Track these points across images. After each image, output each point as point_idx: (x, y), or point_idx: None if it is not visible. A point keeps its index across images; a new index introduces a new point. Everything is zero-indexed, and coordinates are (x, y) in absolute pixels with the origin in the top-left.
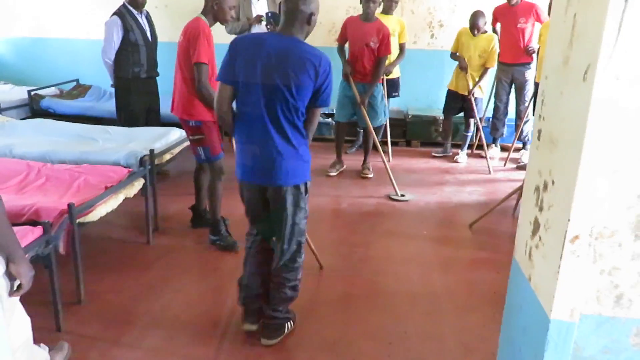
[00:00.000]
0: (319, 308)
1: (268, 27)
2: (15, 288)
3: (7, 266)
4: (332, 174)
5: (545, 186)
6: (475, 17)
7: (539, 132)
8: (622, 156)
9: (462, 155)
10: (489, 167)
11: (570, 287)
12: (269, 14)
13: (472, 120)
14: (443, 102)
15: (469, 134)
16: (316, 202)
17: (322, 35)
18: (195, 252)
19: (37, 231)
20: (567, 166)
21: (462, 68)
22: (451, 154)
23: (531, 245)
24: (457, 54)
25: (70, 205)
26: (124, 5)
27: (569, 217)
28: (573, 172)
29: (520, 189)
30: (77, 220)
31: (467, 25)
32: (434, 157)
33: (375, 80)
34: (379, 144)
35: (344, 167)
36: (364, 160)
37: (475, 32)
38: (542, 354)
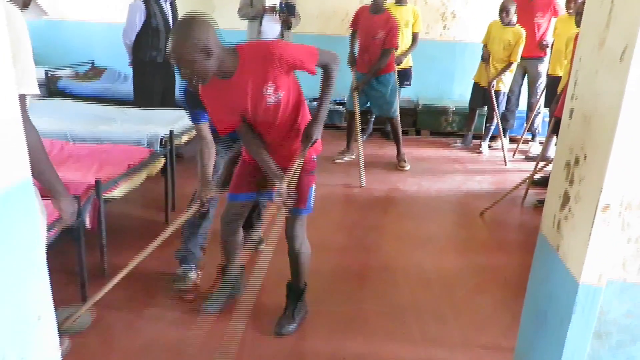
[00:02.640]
0: (335, 287)
1: (280, 15)
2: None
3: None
4: (337, 161)
5: (577, 161)
6: (507, 2)
7: (571, 110)
8: None
9: (485, 147)
10: (504, 158)
11: (599, 253)
12: (282, 4)
13: (495, 113)
14: (454, 94)
15: (492, 126)
16: (327, 188)
17: (335, 24)
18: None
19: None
20: (601, 141)
21: (482, 59)
22: (471, 145)
23: (560, 217)
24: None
25: (97, 181)
26: None
27: (601, 188)
28: (607, 146)
29: (530, 178)
30: (104, 196)
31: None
32: (452, 147)
33: (373, 71)
34: (398, 134)
35: (353, 156)
36: (398, 152)
37: (504, 17)
38: (569, 318)
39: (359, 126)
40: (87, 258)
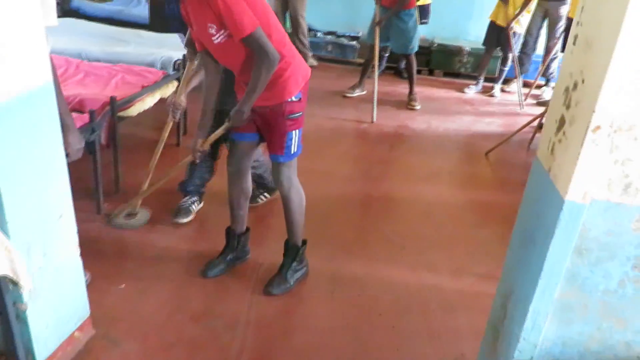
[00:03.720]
0: (338, 214)
1: None
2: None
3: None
4: (348, 94)
5: (575, 85)
6: None
7: (575, 37)
8: None
9: (497, 90)
10: (520, 101)
11: (586, 172)
12: None
13: (510, 54)
14: (470, 34)
15: (506, 69)
16: (337, 122)
17: None
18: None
19: (84, 119)
20: (598, 65)
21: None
22: (482, 89)
23: (554, 140)
24: None
25: (112, 98)
26: None
27: (594, 109)
28: (603, 69)
29: (536, 120)
30: (118, 114)
31: None
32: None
33: (397, 6)
34: (414, 72)
35: (364, 91)
36: (410, 91)
37: None
38: (553, 233)
39: (376, 61)
40: (102, 175)
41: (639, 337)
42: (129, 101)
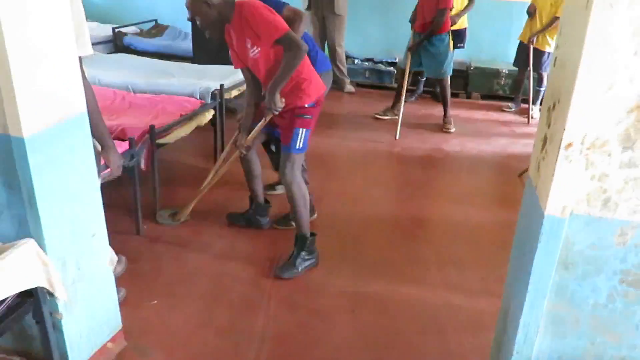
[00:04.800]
0: (364, 235)
1: None
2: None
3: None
4: (379, 116)
5: (554, 105)
6: None
7: (555, 59)
8: (614, 76)
9: (535, 111)
10: (529, 117)
11: (562, 187)
12: None
13: (544, 74)
14: (508, 56)
15: (542, 89)
16: (371, 144)
17: None
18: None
19: (124, 146)
20: (569, 85)
21: (528, 13)
22: (520, 107)
23: (539, 158)
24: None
25: (151, 127)
26: None
27: (564, 127)
28: (571, 89)
29: None
30: (157, 141)
31: None
32: (504, 111)
33: (429, 32)
34: (448, 95)
35: (397, 116)
36: (445, 114)
37: None
38: (536, 246)
39: (404, 85)
40: (141, 197)
41: (634, 353)
42: (167, 129)
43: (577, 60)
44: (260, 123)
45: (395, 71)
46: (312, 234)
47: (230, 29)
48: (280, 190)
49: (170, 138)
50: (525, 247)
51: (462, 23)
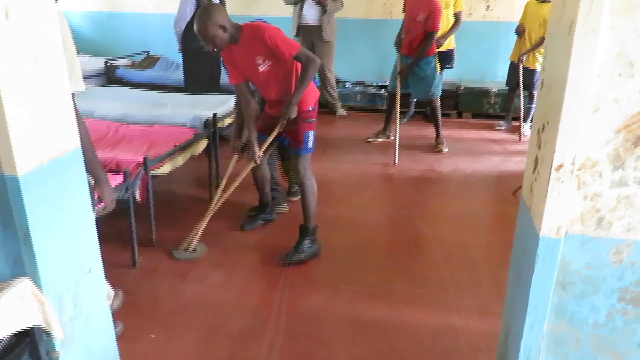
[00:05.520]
0: (362, 259)
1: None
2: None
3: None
4: (371, 140)
5: (544, 127)
6: None
7: (542, 82)
8: (600, 97)
9: (526, 128)
10: (520, 135)
11: (555, 208)
12: None
13: (535, 92)
14: (497, 75)
15: (533, 107)
16: (365, 167)
17: (378, 8)
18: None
19: (119, 178)
20: (556, 107)
21: (516, 33)
22: (511, 126)
23: (532, 179)
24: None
25: (145, 158)
26: None
27: (554, 149)
28: (559, 111)
29: None
30: (151, 172)
31: None
32: (495, 129)
33: (418, 56)
34: (438, 116)
35: (391, 137)
36: (437, 135)
37: None
38: (533, 267)
39: (397, 108)
40: (137, 228)
41: None
42: (161, 159)
43: (564, 83)
44: (274, 132)
45: (387, 94)
46: (316, 226)
47: (233, 48)
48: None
49: (164, 169)
50: (523, 269)
51: (449, 44)
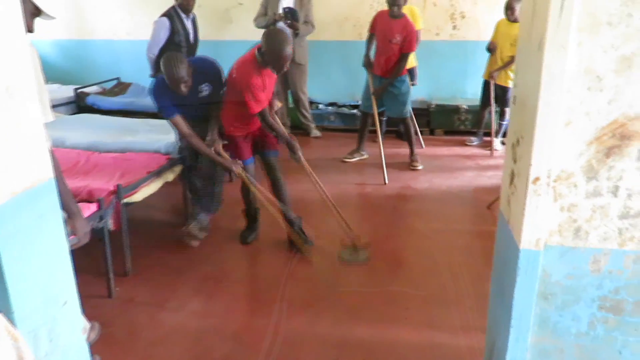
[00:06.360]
0: (342, 277)
1: (287, 22)
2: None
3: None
4: (347, 159)
5: (518, 142)
6: (511, 0)
7: (514, 97)
8: (571, 111)
9: (497, 143)
10: (492, 150)
11: (534, 220)
12: (287, 10)
13: (507, 109)
14: (467, 92)
15: (504, 123)
16: (342, 187)
17: (348, 30)
18: (228, 229)
19: (92, 207)
20: (530, 122)
21: (488, 50)
22: (483, 142)
23: (509, 193)
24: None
25: (118, 186)
26: (173, 8)
27: (530, 162)
28: (532, 126)
29: None
30: (124, 200)
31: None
32: (467, 145)
33: (393, 76)
34: (412, 134)
35: (365, 156)
36: (411, 152)
37: (510, 15)
38: (515, 280)
39: (378, 127)
40: (112, 258)
41: None
42: (134, 187)
43: (536, 98)
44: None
45: (360, 113)
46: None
47: (264, 73)
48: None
49: (138, 196)
50: (504, 282)
51: (411, 62)
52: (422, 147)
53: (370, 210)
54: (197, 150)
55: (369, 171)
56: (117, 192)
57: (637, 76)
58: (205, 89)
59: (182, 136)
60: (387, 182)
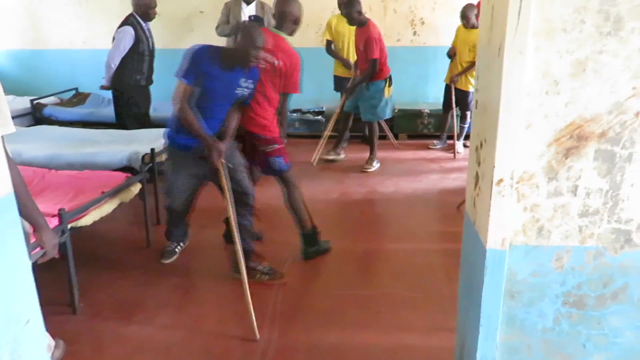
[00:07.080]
0: (312, 283)
1: None
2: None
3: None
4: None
5: (481, 145)
6: (465, 9)
7: (477, 102)
8: (531, 113)
9: (459, 146)
10: (454, 152)
11: (499, 221)
12: (252, 17)
13: (468, 113)
14: (429, 97)
15: (465, 125)
16: (310, 192)
17: (311, 37)
18: (195, 237)
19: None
20: (492, 125)
21: (448, 55)
22: (446, 145)
23: (474, 195)
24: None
25: (60, 211)
26: (133, 15)
27: (494, 165)
28: (494, 130)
29: None
30: (70, 225)
31: (456, 21)
32: (431, 149)
33: (362, 80)
34: (374, 137)
35: (341, 156)
36: (369, 155)
37: (465, 23)
38: (482, 280)
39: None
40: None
41: None
42: (81, 211)
43: (497, 102)
44: None
45: (324, 119)
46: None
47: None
48: None
49: (87, 220)
50: (472, 282)
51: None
52: (397, 147)
53: (338, 216)
54: (187, 126)
55: (339, 177)
56: (60, 217)
57: (592, 79)
58: (245, 87)
59: (175, 102)
60: (315, 163)
